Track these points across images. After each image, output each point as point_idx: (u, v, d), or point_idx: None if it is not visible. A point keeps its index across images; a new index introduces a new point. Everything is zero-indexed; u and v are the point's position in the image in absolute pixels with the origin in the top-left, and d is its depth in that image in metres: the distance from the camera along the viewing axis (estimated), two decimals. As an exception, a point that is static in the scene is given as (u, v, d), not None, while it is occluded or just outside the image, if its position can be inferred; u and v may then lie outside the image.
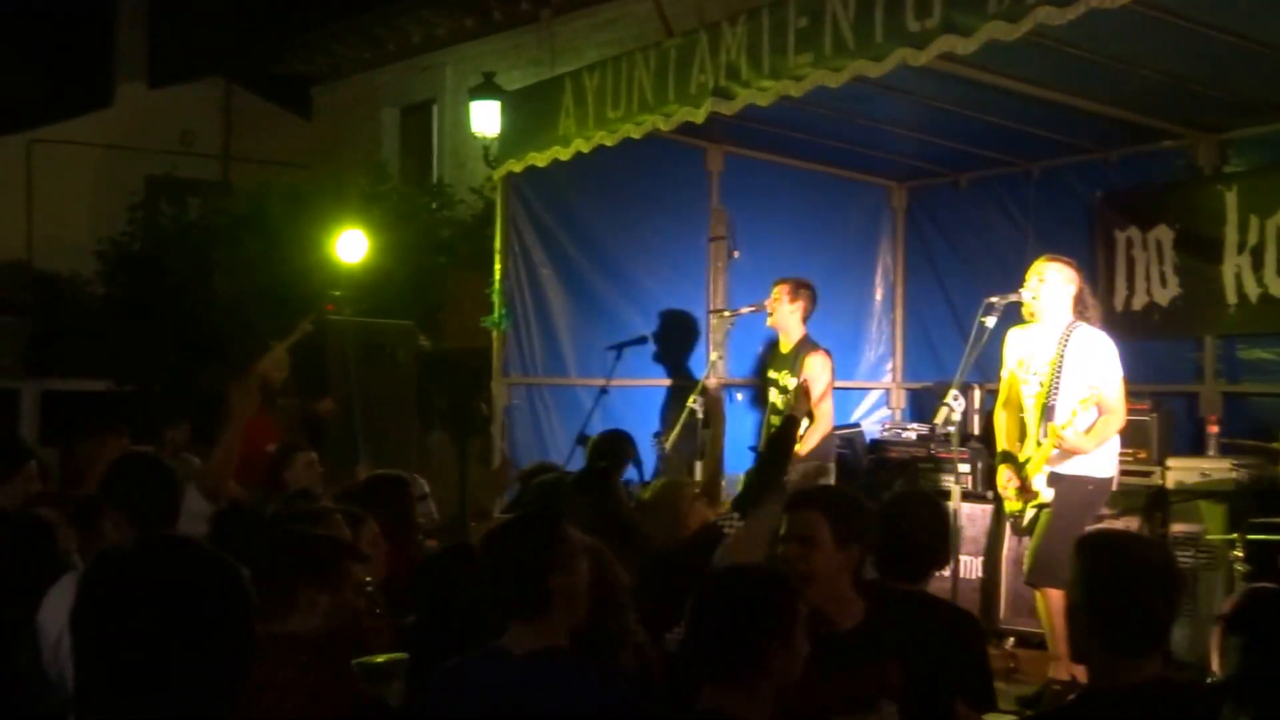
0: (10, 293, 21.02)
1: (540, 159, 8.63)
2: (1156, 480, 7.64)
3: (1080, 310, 7.03)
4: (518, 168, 8.93)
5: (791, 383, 8.11)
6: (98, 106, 23.41)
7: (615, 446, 7.55)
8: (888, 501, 5.31)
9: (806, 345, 8.32)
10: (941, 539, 4.69)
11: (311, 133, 21.82)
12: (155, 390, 15.89)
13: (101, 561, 2.26)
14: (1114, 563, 3.28)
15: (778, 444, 6.52)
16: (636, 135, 7.92)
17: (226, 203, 17.93)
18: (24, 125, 22.69)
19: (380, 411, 10.98)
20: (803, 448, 7.84)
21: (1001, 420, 7.19)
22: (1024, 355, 7.06)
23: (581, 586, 3.76)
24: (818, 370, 8.11)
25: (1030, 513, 6.87)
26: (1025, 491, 6.87)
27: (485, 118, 13.48)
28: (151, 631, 2.08)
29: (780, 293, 8.40)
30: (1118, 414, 6.83)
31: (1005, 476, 6.97)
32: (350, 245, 12.27)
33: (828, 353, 8.31)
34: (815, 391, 7.96)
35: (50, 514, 5.43)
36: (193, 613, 2.12)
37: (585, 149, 8.24)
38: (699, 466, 8.73)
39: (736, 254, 9.55)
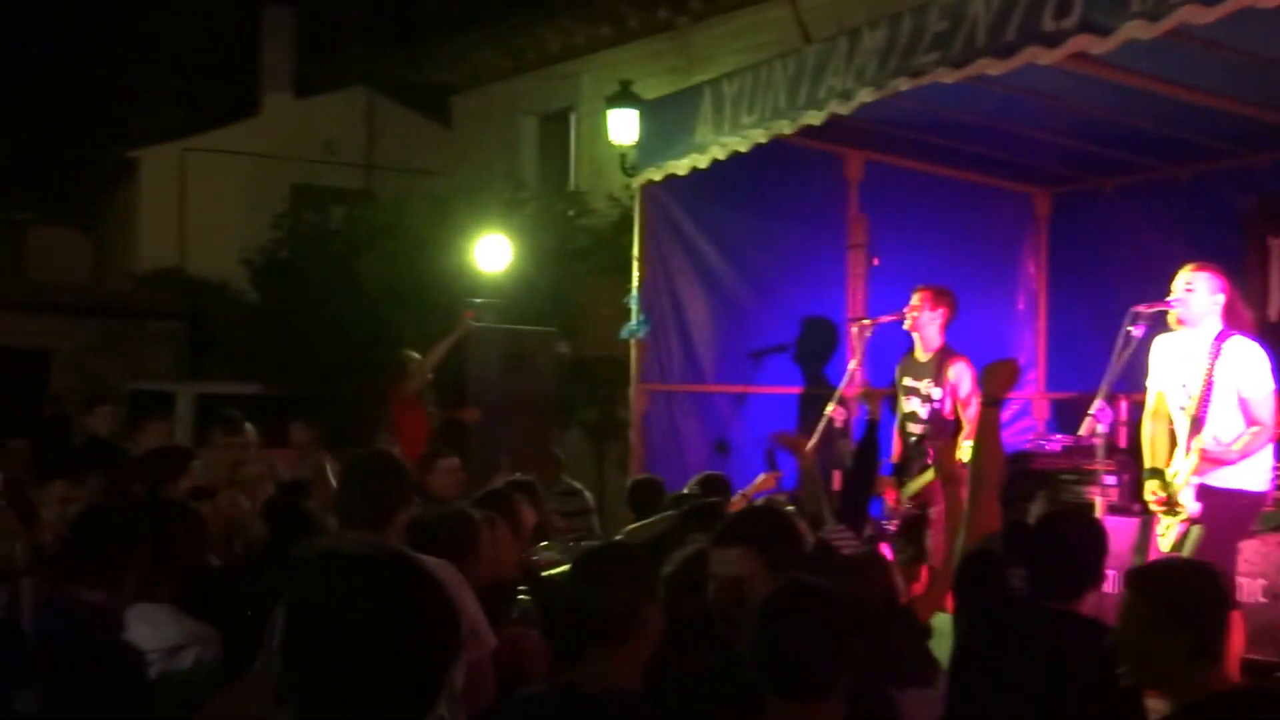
0: (165, 299, 21.57)
1: (679, 167, 8.64)
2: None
3: (1231, 319, 6.82)
4: (657, 176, 8.95)
5: (934, 391, 8.03)
6: (245, 116, 23.89)
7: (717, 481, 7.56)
8: (1041, 517, 5.16)
9: (947, 353, 8.20)
10: (1099, 556, 4.53)
11: (451, 141, 22.02)
12: (301, 394, 16.15)
13: (321, 563, 2.29)
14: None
15: (860, 453, 6.46)
16: (764, 140, 7.88)
17: (368, 211, 18.18)
18: (178, 134, 23.25)
19: (521, 418, 11.06)
20: (952, 458, 7.79)
21: (1149, 432, 6.98)
22: (1172, 365, 6.86)
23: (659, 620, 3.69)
24: (963, 378, 8.01)
25: (1177, 528, 6.67)
26: (1171, 506, 6.67)
27: (622, 126, 13.49)
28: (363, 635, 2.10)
29: (921, 300, 8.27)
30: (1268, 426, 6.60)
31: (1152, 491, 6.78)
32: (491, 252, 12.36)
33: (969, 360, 8.20)
34: (961, 399, 7.90)
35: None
36: (405, 622, 2.14)
37: (722, 156, 8.23)
38: (837, 476, 8.66)
39: (876, 261, 9.44)
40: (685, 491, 7.37)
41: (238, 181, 22.45)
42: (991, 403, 5.08)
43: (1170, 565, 4.03)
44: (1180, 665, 3.29)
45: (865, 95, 6.99)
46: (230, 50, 25.84)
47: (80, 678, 3.85)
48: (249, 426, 8.86)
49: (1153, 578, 3.59)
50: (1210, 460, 6.49)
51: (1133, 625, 3.39)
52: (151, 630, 4.45)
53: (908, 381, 8.35)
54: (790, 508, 6.51)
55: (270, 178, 22.20)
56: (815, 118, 7.41)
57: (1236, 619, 6.53)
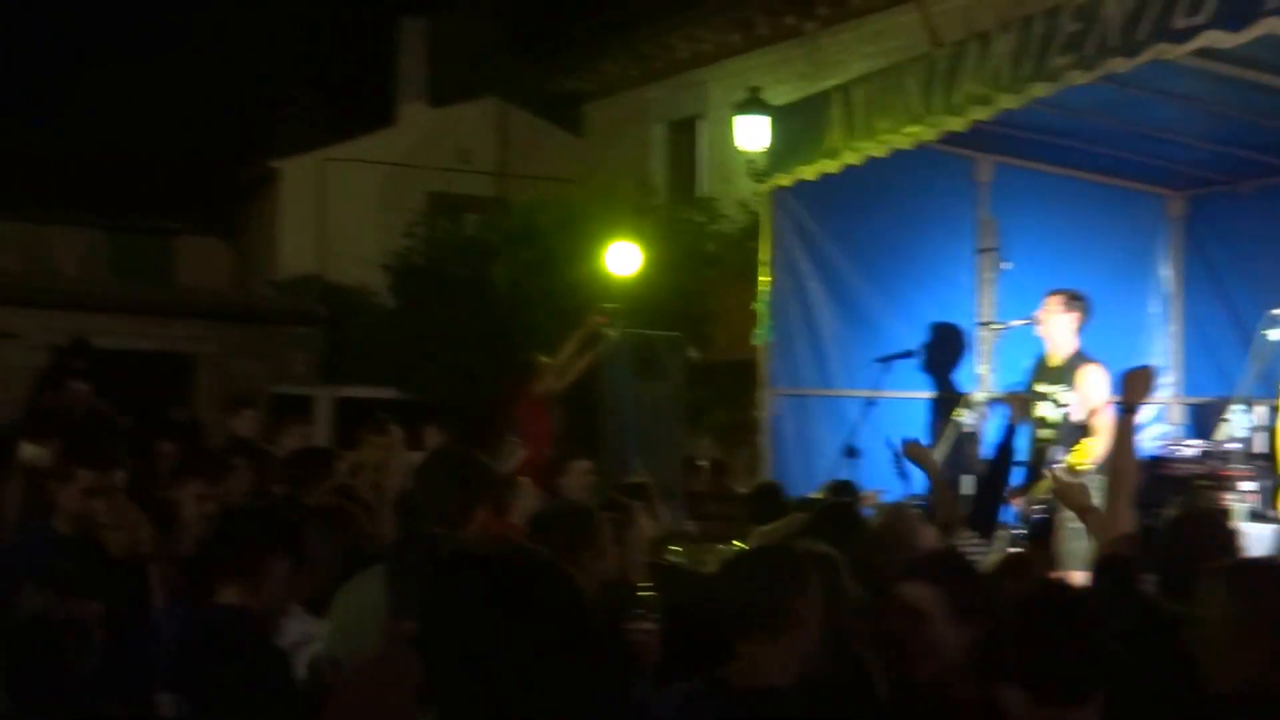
0: (304, 305, 21.93)
1: (808, 172, 8.63)
2: None
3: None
4: (786, 181, 8.95)
5: (1067, 396, 7.93)
6: (382, 126, 24.19)
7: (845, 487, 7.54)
8: (1172, 521, 5.08)
9: (1080, 358, 8.09)
10: (1230, 557, 4.45)
11: (582, 148, 22.16)
12: (435, 399, 16.35)
13: (457, 563, 2.32)
14: None
15: (997, 458, 6.40)
16: (906, 146, 7.85)
17: (501, 218, 18.35)
18: (315, 145, 23.62)
19: (651, 421, 11.12)
20: (1083, 459, 7.70)
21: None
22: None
23: (817, 613, 3.67)
24: (1096, 383, 7.90)
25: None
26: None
27: (750, 132, 13.50)
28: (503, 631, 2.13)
29: (1054, 304, 8.17)
30: None
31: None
32: (620, 258, 12.44)
33: (1102, 368, 8.09)
34: (1094, 404, 7.80)
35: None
36: (545, 618, 2.16)
37: (855, 161, 8.21)
38: (965, 481, 8.59)
39: (1006, 265, 9.34)
40: (815, 496, 7.36)
41: (375, 190, 22.75)
42: (1127, 409, 5.02)
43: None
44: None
45: (1006, 101, 6.95)
46: (367, 62, 26.19)
47: (225, 681, 3.86)
48: (394, 428, 9.00)
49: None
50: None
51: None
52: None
53: (1039, 386, 8.25)
54: (918, 512, 6.51)
55: (406, 186, 22.44)
56: (957, 124, 7.38)
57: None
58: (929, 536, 5.67)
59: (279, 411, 14.68)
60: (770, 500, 7.33)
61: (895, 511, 6.00)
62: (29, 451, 6.32)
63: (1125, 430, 5.02)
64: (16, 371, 14.20)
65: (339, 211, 22.78)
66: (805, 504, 6.93)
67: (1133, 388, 5.07)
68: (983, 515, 6.35)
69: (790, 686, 3.54)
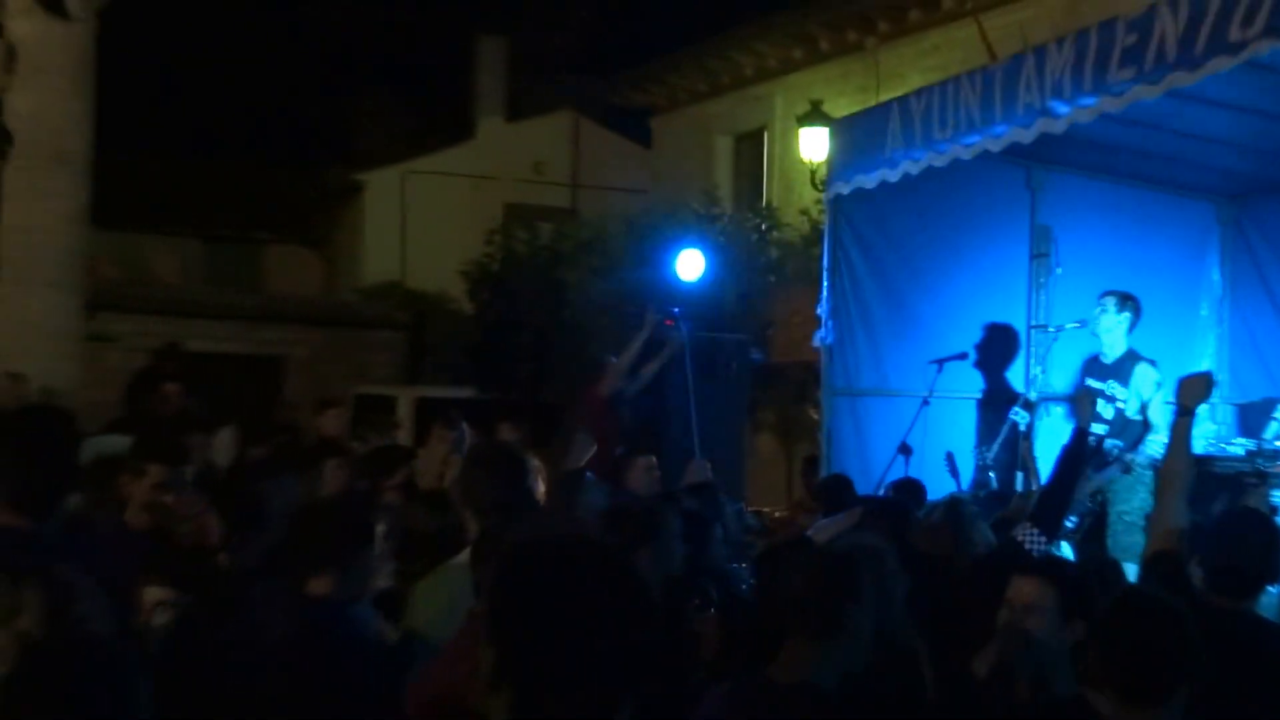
0: (386, 310, 22.10)
1: (868, 181, 8.60)
2: None
3: None
4: (846, 190, 8.91)
5: (1120, 392, 7.89)
6: (461, 140, 24.31)
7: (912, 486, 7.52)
8: (1219, 517, 5.03)
9: (1133, 356, 8.06)
10: (1273, 556, 4.39)
11: (651, 160, 22.18)
12: (510, 399, 16.42)
13: (522, 549, 2.32)
14: None
15: (1070, 457, 6.32)
16: (967, 157, 7.81)
17: (574, 227, 18.42)
18: (400, 158, 23.79)
19: (714, 419, 11.11)
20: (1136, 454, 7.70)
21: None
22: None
23: (869, 616, 3.70)
24: (1150, 380, 7.88)
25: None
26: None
27: (813, 143, 13.48)
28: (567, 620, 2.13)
29: (1108, 304, 8.16)
30: None
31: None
32: (688, 264, 12.42)
33: (1153, 365, 8.04)
34: (1149, 400, 7.79)
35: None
36: (614, 605, 2.17)
37: (914, 171, 8.17)
38: (1020, 478, 8.54)
39: (1059, 269, 9.28)
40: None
41: (454, 201, 22.84)
42: (1185, 412, 5.02)
43: None
44: None
45: (1074, 115, 6.88)
46: (447, 78, 26.33)
47: (327, 670, 3.85)
48: (465, 425, 9.07)
49: None
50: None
51: None
52: None
53: (1092, 383, 8.22)
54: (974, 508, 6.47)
55: (484, 197, 22.56)
56: (1024, 136, 7.31)
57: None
58: (982, 531, 5.66)
59: (362, 411, 14.85)
60: (835, 492, 7.32)
61: (952, 506, 5.98)
62: (114, 444, 6.34)
63: (1182, 432, 5.04)
64: (116, 374, 14.33)
65: (419, 221, 22.92)
66: (868, 500, 6.93)
67: (1190, 392, 5.07)
68: (1049, 512, 6.27)
69: (832, 686, 3.54)
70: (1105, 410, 8.02)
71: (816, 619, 3.59)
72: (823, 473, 9.13)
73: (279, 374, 21.66)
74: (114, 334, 17.68)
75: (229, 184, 25.38)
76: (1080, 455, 6.58)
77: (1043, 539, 6.01)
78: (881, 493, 7.86)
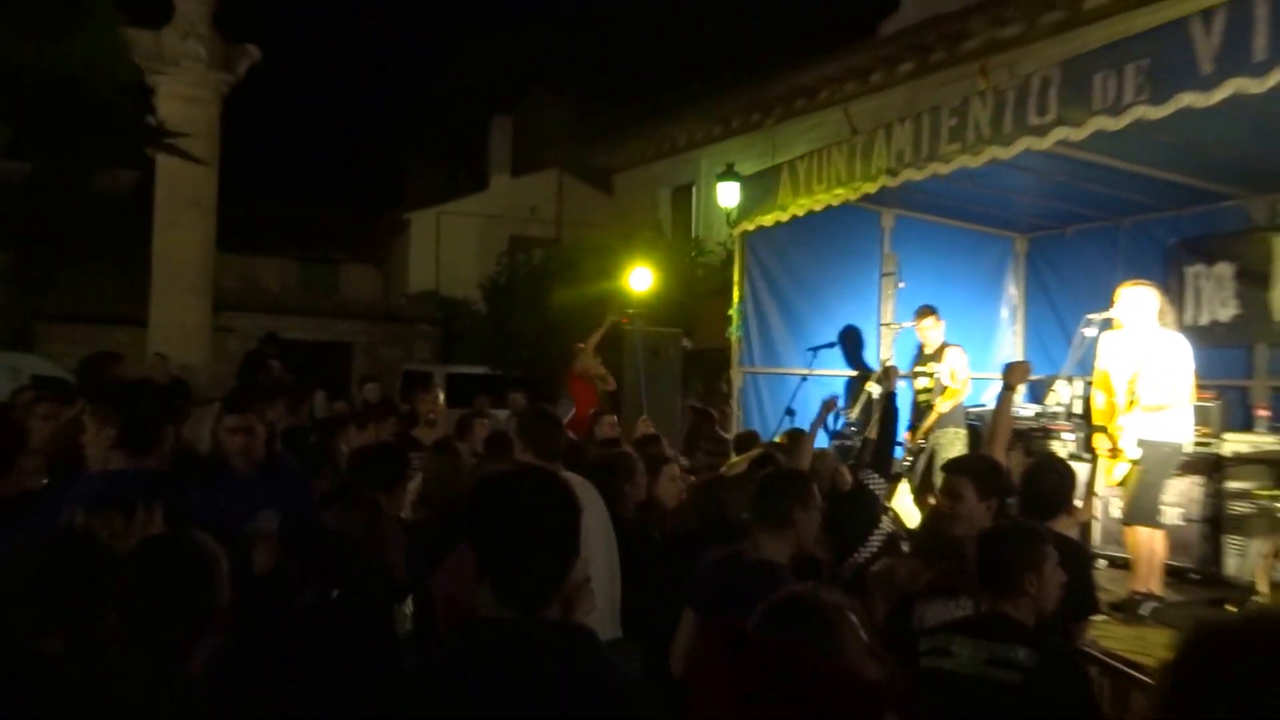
0: (427, 310, 21.98)
1: (766, 220, 8.52)
2: (1216, 449, 6.95)
3: (1161, 320, 6.41)
4: (750, 227, 8.83)
5: (940, 370, 7.82)
6: (478, 190, 24.27)
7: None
8: (1031, 463, 4.91)
9: (945, 345, 8.02)
10: (1069, 488, 4.28)
11: (613, 205, 22.12)
12: (513, 374, 16.30)
13: (487, 482, 2.33)
14: None
15: (885, 417, 6.34)
16: (835, 203, 7.72)
17: (558, 253, 18.34)
18: (435, 203, 23.70)
19: (657, 389, 11.03)
20: (949, 405, 7.61)
21: (1097, 400, 6.61)
22: (1117, 352, 6.46)
23: (814, 523, 3.76)
24: (955, 359, 7.83)
25: (1121, 468, 6.27)
26: (1115, 452, 6.29)
27: (728, 194, 13.34)
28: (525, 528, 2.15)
29: (926, 316, 8.12)
30: (1186, 393, 6.16)
31: (1100, 442, 6.39)
32: (639, 278, 12.30)
33: (961, 348, 7.97)
34: (954, 372, 7.73)
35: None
36: (553, 514, 2.19)
37: (799, 213, 8.09)
38: (871, 428, 8.45)
39: (902, 284, 9.19)
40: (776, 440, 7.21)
41: (474, 233, 22.79)
42: (1009, 388, 4.99)
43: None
44: None
45: (909, 174, 6.81)
46: (470, 146, 26.24)
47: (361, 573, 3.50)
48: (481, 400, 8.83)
49: None
50: (1145, 418, 6.11)
51: None
52: None
53: (918, 368, 8.16)
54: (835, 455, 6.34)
55: (495, 231, 22.48)
56: (871, 188, 7.24)
57: (1162, 535, 6.17)
58: (844, 473, 5.50)
59: (409, 382, 14.65)
60: (749, 443, 7.15)
61: (822, 454, 5.83)
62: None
63: (1006, 401, 5.00)
64: (235, 355, 14.29)
65: (449, 248, 22.86)
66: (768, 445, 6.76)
67: (1015, 373, 5.04)
68: (878, 459, 6.18)
69: (780, 563, 3.62)
70: (928, 383, 7.98)
71: (777, 517, 3.63)
72: (736, 428, 9.01)
73: (350, 355, 21.62)
74: (233, 326, 17.50)
75: (315, 220, 25.44)
76: (890, 416, 6.55)
77: (882, 480, 5.89)
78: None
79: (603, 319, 10.89)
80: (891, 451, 7.04)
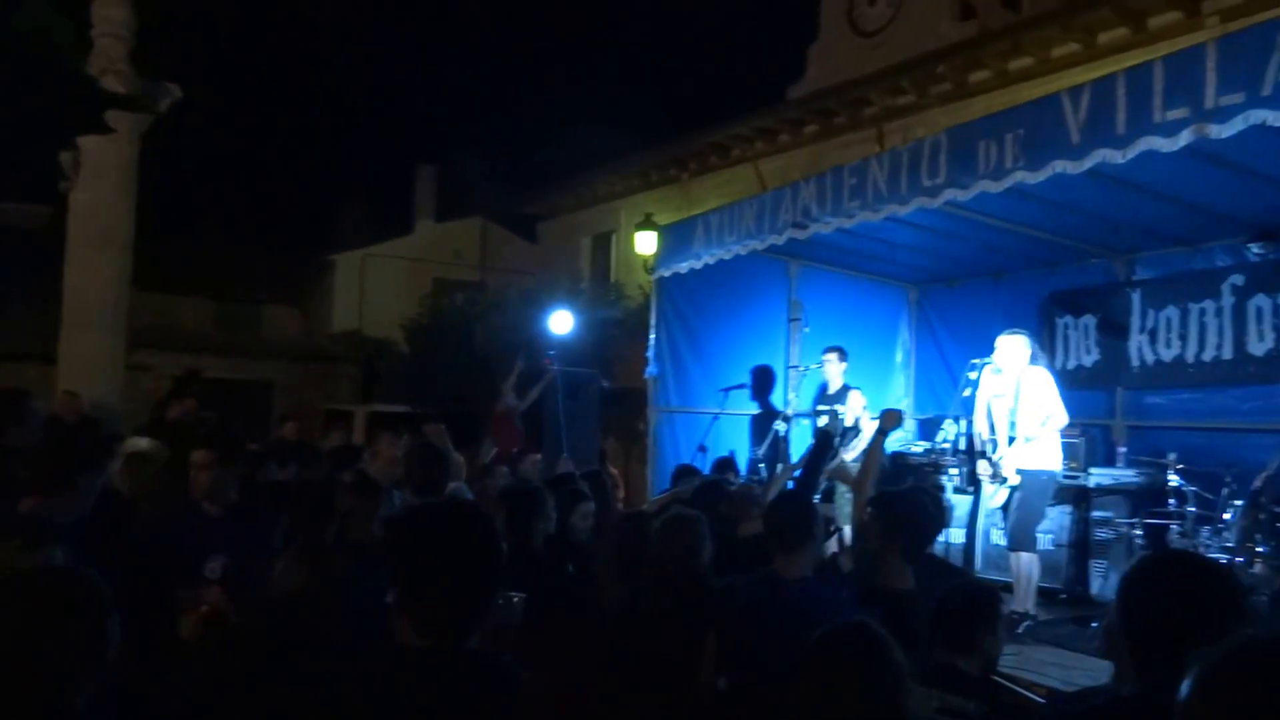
0: (350, 350, 21.74)
1: (681, 268, 8.71)
2: (1083, 482, 7.45)
3: (1034, 360, 6.89)
4: (666, 274, 9.01)
5: (839, 409, 8.09)
6: (404, 234, 24.12)
7: (729, 463, 7.62)
8: (905, 490, 5.19)
9: (847, 387, 8.31)
10: (940, 515, 4.58)
11: (536, 251, 22.22)
12: (435, 411, 16.20)
13: (409, 514, 2.34)
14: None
15: (818, 451, 6.54)
16: (744, 253, 7.95)
17: (481, 296, 18.37)
18: (360, 245, 23.52)
19: (577, 429, 11.14)
20: (857, 450, 7.89)
21: (980, 431, 7.03)
22: (997, 391, 6.92)
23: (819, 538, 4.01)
24: (859, 402, 8.12)
25: (1004, 495, 6.70)
26: (998, 480, 6.72)
27: (645, 242, 13.58)
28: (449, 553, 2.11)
29: (832, 356, 8.40)
30: (1061, 415, 6.62)
31: (984, 470, 6.82)
32: (560, 322, 12.48)
33: (860, 392, 8.29)
34: (858, 415, 7.99)
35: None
36: (472, 545, 2.14)
37: (711, 261, 8.30)
38: (779, 468, 8.69)
39: (806, 329, 9.52)
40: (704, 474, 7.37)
41: (398, 276, 22.58)
42: (882, 432, 5.18)
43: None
44: None
45: (815, 228, 7.03)
46: (396, 191, 26.16)
47: None
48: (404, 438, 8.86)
49: None
50: (1023, 448, 6.55)
51: None
52: None
53: (822, 406, 8.42)
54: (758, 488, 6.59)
55: (419, 274, 22.33)
56: (778, 239, 7.46)
57: (1037, 559, 6.57)
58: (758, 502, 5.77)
59: (329, 422, 14.51)
60: (685, 473, 7.30)
61: (745, 488, 6.11)
62: (143, 444, 6.12)
63: (878, 443, 5.20)
64: (149, 393, 13.91)
65: (373, 289, 22.64)
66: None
67: (889, 420, 5.24)
68: (808, 488, 6.43)
69: (811, 577, 3.81)
70: (830, 420, 8.24)
71: (798, 539, 3.82)
72: (650, 464, 9.21)
73: (270, 394, 21.18)
74: (148, 365, 17.07)
75: (236, 259, 24.87)
76: (824, 450, 6.79)
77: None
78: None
79: (518, 361, 10.99)
80: (818, 483, 7.34)
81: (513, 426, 10.64)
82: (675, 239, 8.97)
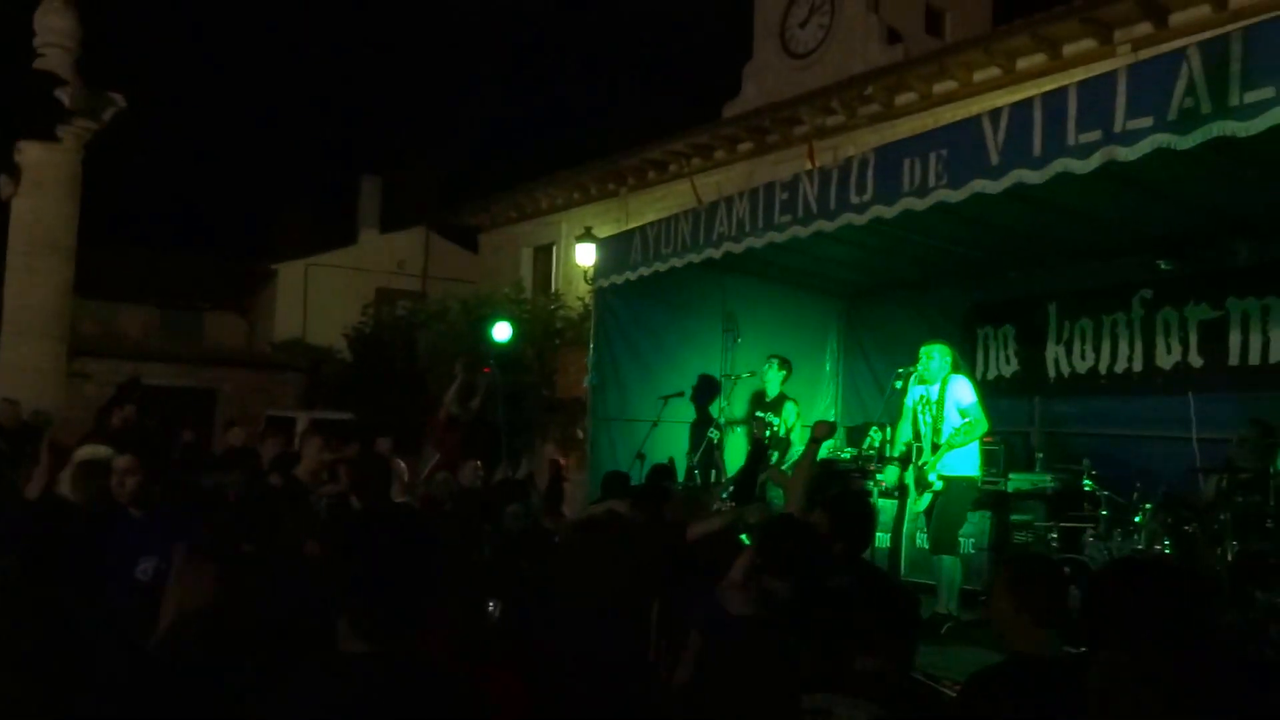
0: (293, 357, 21.40)
1: (620, 279, 8.67)
2: (1003, 487, 7.57)
3: (956, 369, 6.98)
4: (606, 285, 8.97)
5: (774, 419, 8.12)
6: (347, 244, 23.90)
7: (668, 469, 7.60)
8: (839, 493, 5.24)
9: (784, 396, 8.33)
10: (875, 518, 4.61)
11: (478, 262, 22.07)
12: (378, 420, 16.02)
13: (360, 519, 2.29)
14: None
15: (753, 458, 6.58)
16: (680, 265, 7.94)
17: (424, 305, 18.21)
18: (304, 254, 23.21)
19: (517, 437, 11.05)
20: (785, 463, 7.91)
21: (905, 441, 7.10)
22: (921, 398, 6.99)
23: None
24: (794, 413, 8.15)
25: (927, 500, 6.76)
26: (921, 485, 6.78)
27: (585, 254, 13.59)
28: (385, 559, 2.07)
29: (773, 363, 8.39)
30: (983, 422, 6.71)
31: (908, 476, 6.89)
32: (501, 331, 12.37)
33: (796, 402, 8.32)
34: (790, 426, 8.01)
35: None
36: (412, 550, 2.11)
37: (648, 273, 8.27)
38: (713, 475, 8.70)
39: (739, 339, 9.54)
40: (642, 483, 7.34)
41: (341, 285, 22.39)
42: (814, 441, 5.19)
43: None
44: None
45: (750, 241, 7.00)
46: (339, 201, 25.93)
47: None
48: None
49: None
50: (945, 455, 6.63)
51: None
52: None
53: (759, 415, 8.44)
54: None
55: (362, 283, 22.16)
56: (714, 253, 7.43)
57: (959, 562, 6.63)
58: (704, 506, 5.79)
59: (270, 428, 14.21)
60: (615, 482, 7.26)
61: (686, 491, 6.11)
62: (87, 450, 6.00)
63: (811, 451, 5.20)
64: (91, 401, 13.56)
65: (316, 298, 22.40)
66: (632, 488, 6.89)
67: (820, 430, 5.25)
68: (743, 495, 6.45)
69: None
70: (765, 429, 8.28)
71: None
72: (588, 472, 9.16)
73: (214, 402, 20.77)
74: (90, 372, 16.64)
75: (180, 268, 24.48)
76: (759, 457, 6.82)
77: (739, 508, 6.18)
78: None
79: (456, 370, 10.87)
80: (754, 487, 7.36)
81: (454, 435, 10.50)
82: (614, 251, 8.92)
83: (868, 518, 4.40)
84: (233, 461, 7.28)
